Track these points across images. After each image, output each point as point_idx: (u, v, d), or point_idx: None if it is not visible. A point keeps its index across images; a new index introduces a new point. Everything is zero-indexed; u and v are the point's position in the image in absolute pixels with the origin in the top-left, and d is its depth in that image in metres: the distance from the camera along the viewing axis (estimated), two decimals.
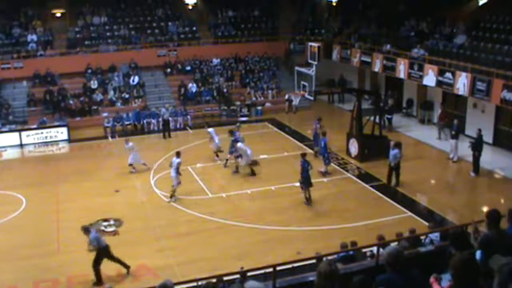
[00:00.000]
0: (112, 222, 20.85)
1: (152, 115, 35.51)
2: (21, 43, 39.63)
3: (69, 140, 33.08)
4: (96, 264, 16.57)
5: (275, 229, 19.76)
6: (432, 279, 7.37)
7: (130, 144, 27.07)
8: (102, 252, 16.67)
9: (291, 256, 14.90)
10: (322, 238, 18.79)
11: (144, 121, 35.12)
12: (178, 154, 23.02)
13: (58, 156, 31.31)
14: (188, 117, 35.80)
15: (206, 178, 25.30)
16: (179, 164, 22.69)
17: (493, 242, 8.05)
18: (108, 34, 41.51)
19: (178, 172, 22.52)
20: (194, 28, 43.23)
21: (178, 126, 35.08)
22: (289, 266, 12.54)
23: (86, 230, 16.75)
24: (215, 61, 41.66)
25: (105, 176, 26.40)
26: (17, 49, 39.20)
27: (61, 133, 33.24)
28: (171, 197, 22.55)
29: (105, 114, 35.47)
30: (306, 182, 21.61)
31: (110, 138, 33.53)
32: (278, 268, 11.09)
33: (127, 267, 17.09)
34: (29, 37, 39.85)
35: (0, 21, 40.48)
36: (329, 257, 12.96)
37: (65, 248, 19.09)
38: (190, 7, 43.06)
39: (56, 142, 32.95)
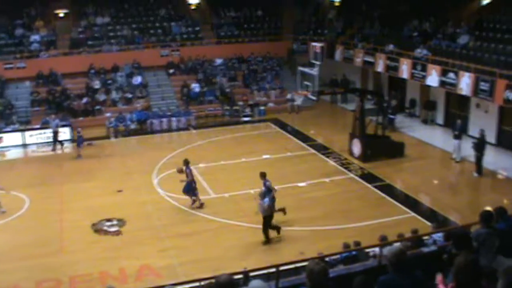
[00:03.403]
0: (115, 222, 20.86)
1: (155, 115, 35.56)
2: (24, 43, 39.69)
3: (72, 140, 33.11)
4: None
5: None
6: (439, 279, 7.30)
7: None
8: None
9: (294, 256, 14.90)
10: (325, 238, 18.77)
11: (147, 121, 35.14)
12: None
13: (61, 156, 31.30)
14: (191, 117, 35.81)
15: (209, 178, 25.30)
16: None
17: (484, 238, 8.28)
18: (111, 34, 41.55)
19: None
20: (197, 28, 43.26)
21: (181, 126, 35.12)
22: (292, 266, 12.54)
23: None
24: (218, 61, 41.68)
25: (108, 176, 26.41)
26: (20, 49, 39.27)
27: (64, 133, 33.26)
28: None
29: (108, 114, 35.51)
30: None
31: (112, 138, 33.56)
32: (281, 268, 11.09)
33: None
34: (32, 37, 39.90)
35: (3, 21, 40.55)
36: (332, 257, 12.98)
37: (68, 248, 19.12)
38: (193, 7, 43.17)
39: (59, 142, 32.93)
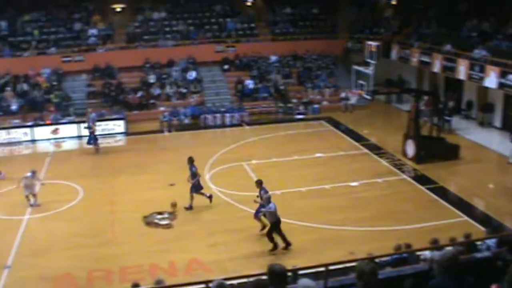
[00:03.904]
0: (166, 215, 21.05)
1: (209, 111, 35.77)
2: (82, 37, 40.43)
3: (126, 133, 33.62)
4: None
5: (329, 228, 19.65)
6: None
7: None
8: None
9: (344, 256, 14.79)
10: (375, 239, 18.59)
11: (201, 116, 35.36)
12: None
13: (115, 148, 31.79)
14: (245, 113, 35.91)
15: (261, 174, 25.09)
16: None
17: None
18: (167, 29, 41.94)
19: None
20: (253, 25, 43.33)
21: (234, 122, 35.25)
22: (342, 266, 12.45)
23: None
24: (273, 58, 41.64)
25: (160, 170, 26.65)
26: (78, 43, 40.02)
27: (119, 126, 33.82)
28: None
29: (162, 109, 35.89)
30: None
31: (166, 133, 33.89)
32: (330, 267, 11.02)
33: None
34: (90, 31, 40.63)
35: (62, 15, 41.41)
36: (382, 259, 12.84)
37: (119, 239, 19.40)
38: (248, 3, 43.25)
39: (113, 134, 33.55)
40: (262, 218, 19.00)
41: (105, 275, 17.00)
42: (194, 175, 21.69)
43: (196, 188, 21.77)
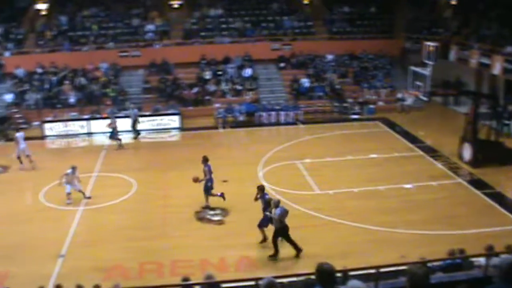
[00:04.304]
0: (218, 211, 21.16)
1: (264, 108, 35.82)
2: (139, 33, 41.03)
3: (181, 129, 33.94)
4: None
5: (381, 230, 19.41)
6: None
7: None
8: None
9: (395, 259, 14.64)
10: (428, 243, 18.28)
11: (256, 114, 35.43)
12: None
13: (169, 143, 32.14)
14: (299, 111, 35.82)
15: (314, 174, 25.18)
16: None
17: None
18: (223, 26, 42.20)
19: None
20: (309, 23, 43.20)
21: (289, 120, 35.22)
22: (393, 268, 12.32)
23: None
24: (329, 57, 41.45)
25: (214, 166, 26.65)
26: (135, 38, 40.70)
27: (174, 121, 34.17)
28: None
29: (217, 105, 36.10)
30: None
31: (220, 129, 34.08)
32: (381, 270, 10.93)
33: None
34: (147, 27, 41.27)
35: (120, 11, 42.11)
36: (434, 263, 12.66)
37: (171, 234, 19.62)
38: (306, 1, 43.14)
39: (168, 129, 33.91)
40: (265, 230, 18.54)
41: (156, 268, 17.19)
42: (205, 174, 21.51)
43: (206, 189, 21.58)
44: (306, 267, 14.09)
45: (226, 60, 40.10)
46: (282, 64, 40.70)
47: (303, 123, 34.89)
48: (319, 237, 19.02)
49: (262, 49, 40.72)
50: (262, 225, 18.42)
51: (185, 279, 13.35)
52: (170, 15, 42.97)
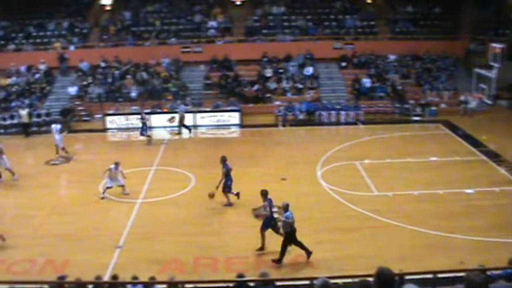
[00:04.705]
0: (275, 209, 21.12)
1: (324, 107, 35.64)
2: (202, 29, 41.40)
3: (241, 125, 34.10)
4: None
5: (439, 235, 19.01)
6: None
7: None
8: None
9: (453, 265, 14.39)
10: (488, 250, 17.76)
11: (316, 113, 35.29)
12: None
13: (229, 139, 32.28)
14: (360, 112, 35.53)
15: (373, 175, 24.87)
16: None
17: None
18: (285, 24, 42.18)
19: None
20: (372, 23, 42.79)
21: (349, 120, 34.97)
22: (451, 275, 12.13)
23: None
24: (391, 57, 40.94)
25: (273, 164, 26.79)
26: (198, 34, 41.07)
27: (234, 117, 34.34)
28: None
29: (277, 103, 36.09)
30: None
31: (280, 127, 34.08)
32: (439, 275, 10.76)
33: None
34: (210, 23, 41.62)
35: (183, 7, 42.60)
36: (494, 272, 12.39)
37: (227, 230, 19.72)
38: (369, 1, 42.75)
39: (228, 126, 34.11)
40: (265, 235, 18.20)
41: (211, 263, 17.28)
42: (223, 175, 21.56)
43: (225, 187, 21.68)
44: (362, 268, 13.98)
45: (288, 58, 40.07)
46: (343, 64, 40.42)
47: (364, 123, 34.56)
48: (375, 239, 18.76)
49: (324, 47, 40.47)
50: (264, 227, 18.11)
51: (240, 275, 13.42)
52: (232, 12, 43.20)
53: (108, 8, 42.54)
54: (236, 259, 17.35)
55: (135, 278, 13.67)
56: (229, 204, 21.79)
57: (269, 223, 18.13)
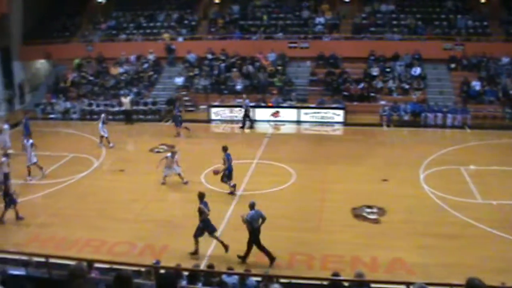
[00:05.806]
0: (375, 209, 20.90)
1: (430, 109, 34.87)
2: (309, 25, 41.38)
3: (344, 123, 33.90)
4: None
5: None
6: None
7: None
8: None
9: None
10: None
11: (422, 114, 34.59)
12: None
13: (332, 137, 32.20)
14: (468, 115, 34.49)
15: (478, 181, 24.02)
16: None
17: None
18: (394, 22, 41.48)
19: None
20: (485, 23, 41.36)
21: (456, 123, 34.01)
22: None
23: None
24: (505, 60, 39.39)
25: (375, 164, 26.47)
26: (305, 30, 41.08)
27: (338, 115, 34.18)
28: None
29: (382, 102, 35.62)
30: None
31: (385, 127, 33.63)
32: None
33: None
34: (317, 20, 41.56)
35: (291, 2, 42.78)
36: None
37: (325, 228, 19.58)
38: (482, 0, 41.38)
39: (332, 123, 34.00)
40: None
41: (307, 259, 17.30)
42: (224, 162, 22.19)
43: (225, 176, 22.34)
44: (461, 278, 13.62)
45: (395, 57, 39.40)
46: (452, 65, 39.32)
47: (471, 127, 33.48)
48: (476, 248, 18.09)
49: (433, 48, 39.49)
50: (197, 234, 17.70)
51: (335, 274, 13.36)
52: (340, 8, 42.98)
53: (217, 1, 43.35)
54: (332, 257, 17.29)
55: (230, 269, 13.86)
56: (232, 193, 22.42)
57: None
